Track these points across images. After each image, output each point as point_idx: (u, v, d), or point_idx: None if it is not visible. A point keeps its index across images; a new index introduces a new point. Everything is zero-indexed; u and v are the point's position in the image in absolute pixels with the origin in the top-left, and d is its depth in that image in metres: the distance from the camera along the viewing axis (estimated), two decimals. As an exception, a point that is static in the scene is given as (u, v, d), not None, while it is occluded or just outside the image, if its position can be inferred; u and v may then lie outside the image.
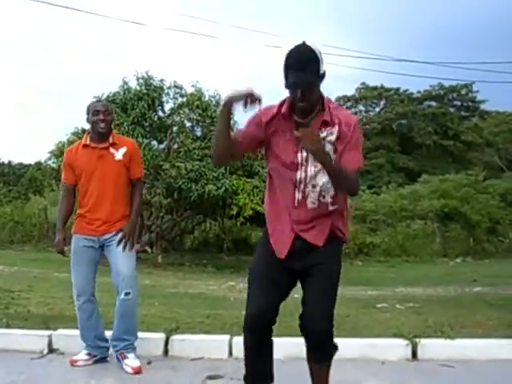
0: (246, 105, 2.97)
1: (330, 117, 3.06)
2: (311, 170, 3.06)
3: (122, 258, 4.52)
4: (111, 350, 4.69)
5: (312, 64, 2.97)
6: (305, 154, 3.04)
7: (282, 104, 3.11)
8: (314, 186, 3.07)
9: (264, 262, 3.24)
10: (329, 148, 3.01)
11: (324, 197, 3.11)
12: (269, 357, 3.34)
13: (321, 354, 3.23)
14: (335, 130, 3.05)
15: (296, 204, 3.10)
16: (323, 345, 3.18)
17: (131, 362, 4.50)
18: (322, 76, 3.05)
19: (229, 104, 3.00)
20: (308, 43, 3.00)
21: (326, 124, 3.04)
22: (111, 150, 4.59)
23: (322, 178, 3.06)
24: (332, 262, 3.20)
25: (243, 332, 3.23)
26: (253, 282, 3.22)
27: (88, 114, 4.65)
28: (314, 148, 2.84)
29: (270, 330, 3.23)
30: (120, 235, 4.56)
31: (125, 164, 4.60)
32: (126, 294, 4.47)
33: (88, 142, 4.61)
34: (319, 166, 3.00)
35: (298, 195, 3.09)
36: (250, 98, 2.95)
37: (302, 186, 3.08)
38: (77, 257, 4.60)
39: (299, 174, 3.07)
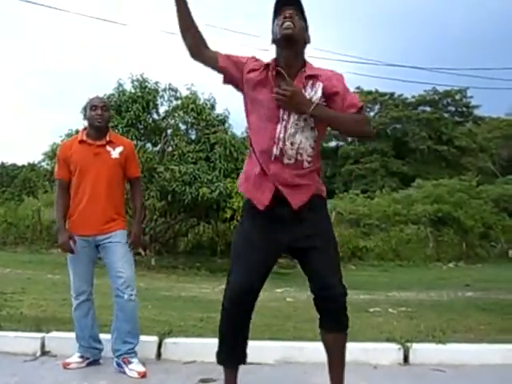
0: None
1: (312, 72, 3.10)
2: (292, 126, 3.06)
3: (121, 260, 4.49)
4: (105, 354, 4.69)
5: (300, 2, 3.11)
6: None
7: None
8: (292, 144, 3.07)
9: (248, 235, 3.20)
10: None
11: (301, 155, 3.10)
12: (246, 335, 3.33)
13: (342, 321, 3.26)
14: (319, 86, 3.07)
15: (272, 158, 3.07)
16: (343, 311, 3.22)
17: (136, 366, 4.46)
18: (307, 23, 3.15)
19: None
20: None
21: (309, 78, 3.08)
22: (108, 147, 4.54)
23: (301, 136, 3.07)
24: (327, 230, 3.24)
25: (222, 307, 3.23)
26: (236, 256, 3.19)
27: (86, 109, 4.63)
28: (285, 98, 2.91)
29: (252, 308, 3.20)
30: (131, 238, 4.57)
31: (120, 163, 4.57)
32: (130, 295, 4.45)
33: (84, 138, 4.56)
34: (300, 123, 3.05)
35: (276, 151, 3.07)
36: None
37: (280, 143, 3.06)
38: (74, 257, 4.54)
39: (278, 129, 3.06)
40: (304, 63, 3.15)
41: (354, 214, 23.87)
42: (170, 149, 15.88)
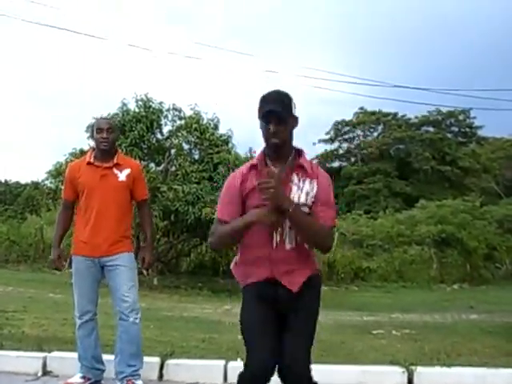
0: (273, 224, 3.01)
1: (309, 166, 3.11)
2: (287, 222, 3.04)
3: (127, 284, 4.49)
4: (107, 374, 4.65)
5: (285, 100, 3.08)
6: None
7: (252, 162, 3.16)
8: (290, 228, 3.06)
9: (253, 310, 3.16)
10: (304, 199, 3.06)
11: None
12: None
13: None
14: (315, 184, 3.08)
15: (275, 246, 3.07)
16: None
17: None
18: (296, 120, 3.14)
19: (253, 224, 3.00)
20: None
21: (301, 168, 3.09)
22: (115, 170, 4.55)
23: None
24: (312, 305, 3.21)
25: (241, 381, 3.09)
26: (248, 335, 3.14)
27: (92, 130, 4.66)
28: (271, 195, 2.87)
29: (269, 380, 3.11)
30: (144, 265, 4.67)
31: (128, 186, 4.57)
32: (135, 318, 4.45)
33: (92, 160, 4.58)
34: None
35: (277, 237, 3.07)
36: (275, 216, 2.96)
37: (278, 238, 3.07)
38: (79, 277, 4.55)
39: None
40: (295, 150, 3.15)
41: (357, 234, 23.79)
42: (173, 168, 15.90)
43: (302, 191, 3.05)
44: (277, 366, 3.04)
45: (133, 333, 4.46)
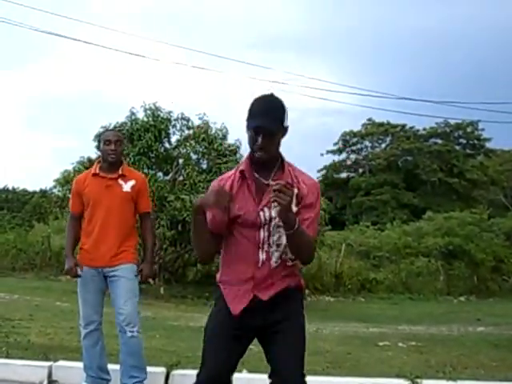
0: (218, 205, 2.81)
1: (291, 178, 2.93)
2: (274, 229, 2.91)
3: (124, 297, 4.48)
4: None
5: (277, 112, 2.88)
6: (267, 212, 2.90)
7: (238, 167, 3.00)
8: (278, 246, 2.92)
9: (220, 320, 3.05)
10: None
11: (286, 253, 2.94)
12: None
13: None
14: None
15: (260, 265, 2.91)
16: None
17: None
18: (286, 129, 2.93)
19: (200, 210, 2.89)
20: (276, 95, 2.92)
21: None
22: (120, 181, 4.55)
23: (285, 237, 2.90)
24: (297, 317, 3.06)
25: None
26: (207, 343, 3.05)
27: (99, 142, 4.66)
28: (285, 203, 2.69)
29: None
30: (142, 278, 4.59)
31: (132, 197, 4.57)
32: (131, 332, 4.43)
33: (97, 171, 4.59)
34: (282, 226, 2.87)
35: (262, 255, 2.92)
36: (221, 198, 2.79)
37: (265, 246, 2.92)
38: (84, 286, 4.56)
39: (262, 234, 2.91)
40: (280, 159, 2.98)
41: (364, 245, 23.78)
42: (181, 178, 15.93)
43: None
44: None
45: (132, 345, 4.45)
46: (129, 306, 4.45)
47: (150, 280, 16.07)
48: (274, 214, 2.88)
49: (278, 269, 2.95)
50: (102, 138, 4.65)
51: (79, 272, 4.48)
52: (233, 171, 3.03)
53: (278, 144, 2.94)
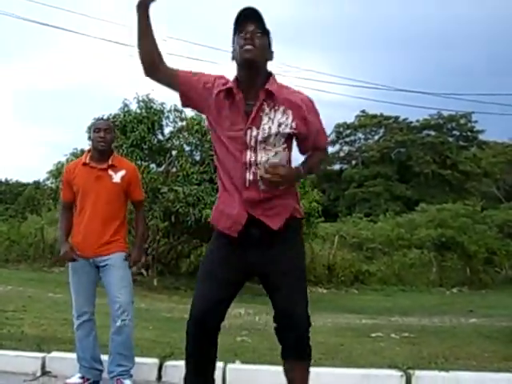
0: None
1: (279, 92, 2.96)
2: (261, 154, 2.94)
3: (118, 285, 4.48)
4: (105, 375, 4.66)
5: (261, 14, 2.94)
6: (254, 133, 2.92)
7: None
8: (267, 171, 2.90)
9: (216, 254, 3.07)
10: (275, 130, 2.92)
11: None
12: (213, 359, 3.19)
13: (303, 350, 3.06)
14: (290, 113, 2.94)
15: (247, 185, 2.94)
16: (306, 340, 3.04)
17: None
18: (269, 37, 3.00)
19: (143, 5, 2.93)
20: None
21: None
22: (109, 171, 4.55)
23: (275, 159, 2.94)
24: (298, 254, 3.08)
25: (187, 327, 3.12)
26: (202, 275, 3.09)
27: (90, 132, 4.65)
28: (279, 184, 2.87)
29: (217, 329, 3.08)
30: (129, 262, 4.57)
31: (122, 187, 4.58)
32: (123, 320, 4.43)
33: (87, 161, 4.58)
34: (271, 151, 2.93)
35: (249, 176, 2.95)
36: None
37: (252, 168, 2.94)
38: (76, 276, 4.56)
39: (248, 155, 2.93)
40: (267, 79, 3.01)
41: (357, 237, 23.83)
42: (174, 170, 15.90)
43: (273, 122, 2.92)
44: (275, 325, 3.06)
45: (123, 334, 4.46)
46: (124, 294, 4.46)
47: (143, 271, 16.11)
48: (260, 137, 2.92)
49: (268, 191, 2.94)
50: (92, 127, 4.67)
51: (75, 256, 4.50)
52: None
53: (264, 49, 2.98)
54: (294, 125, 2.95)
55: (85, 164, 4.59)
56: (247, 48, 2.87)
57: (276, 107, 2.95)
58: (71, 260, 4.53)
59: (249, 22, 2.91)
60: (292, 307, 2.97)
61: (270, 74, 3.04)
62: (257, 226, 2.95)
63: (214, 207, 3.20)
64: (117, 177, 4.56)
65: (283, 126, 2.93)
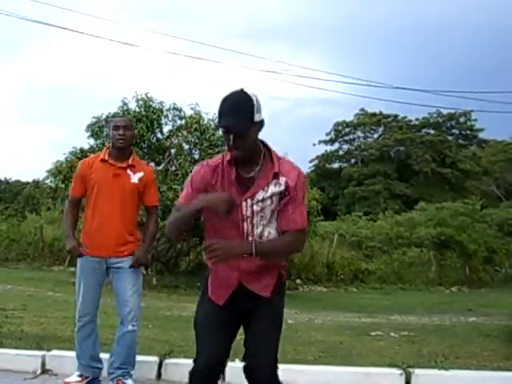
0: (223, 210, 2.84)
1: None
2: (257, 222, 2.94)
3: (131, 290, 4.46)
4: (104, 372, 4.65)
5: (245, 109, 2.81)
6: (249, 203, 2.92)
7: (224, 157, 2.98)
8: (260, 237, 2.94)
9: (208, 307, 3.09)
10: (267, 196, 2.91)
11: None
12: None
13: None
14: (283, 181, 2.92)
15: (246, 255, 2.90)
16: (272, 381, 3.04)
17: None
18: (260, 124, 2.90)
19: (200, 210, 2.90)
20: (246, 90, 2.87)
21: (276, 176, 2.91)
22: (128, 171, 4.50)
23: (269, 228, 2.96)
24: (278, 308, 3.11)
25: (190, 379, 3.10)
26: (201, 328, 3.08)
27: (109, 129, 4.58)
28: (222, 258, 2.83)
29: (219, 377, 3.08)
30: (132, 260, 4.47)
31: (138, 189, 4.52)
32: (133, 326, 4.43)
33: (106, 158, 4.51)
34: (266, 219, 2.94)
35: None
36: (229, 208, 2.84)
37: (250, 238, 2.94)
38: (85, 278, 4.49)
39: (246, 226, 2.94)
40: (265, 149, 2.99)
41: (356, 236, 23.83)
42: (173, 168, 15.88)
43: (266, 193, 2.91)
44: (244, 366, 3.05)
45: (130, 339, 4.45)
46: (135, 300, 4.45)
47: (142, 269, 16.09)
48: (255, 208, 2.92)
49: (263, 261, 2.96)
50: (110, 124, 4.61)
51: (82, 251, 4.44)
52: (219, 158, 3.02)
53: (254, 139, 2.91)
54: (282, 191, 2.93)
55: (103, 160, 4.51)
56: (234, 153, 2.87)
57: (275, 181, 2.93)
58: (78, 255, 4.46)
59: (228, 127, 2.83)
60: (262, 351, 3.00)
61: (269, 149, 3.00)
62: (246, 290, 3.01)
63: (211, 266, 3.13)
64: (135, 177, 4.51)
65: (276, 195, 2.93)
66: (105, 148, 4.69)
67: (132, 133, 4.60)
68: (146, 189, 4.58)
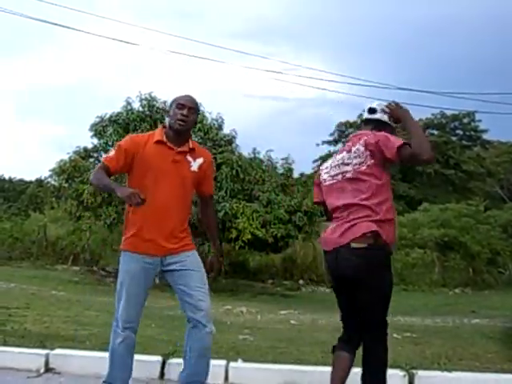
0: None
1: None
2: None
3: (201, 289, 3.89)
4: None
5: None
6: None
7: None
8: None
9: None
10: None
11: None
12: None
13: None
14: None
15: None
16: None
17: None
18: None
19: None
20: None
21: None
22: (188, 157, 3.93)
23: None
24: None
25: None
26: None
27: (171, 106, 3.97)
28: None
29: None
30: (213, 272, 4.11)
31: (198, 177, 3.98)
32: (210, 328, 3.86)
33: (164, 139, 3.88)
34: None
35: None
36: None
37: None
38: (132, 280, 3.84)
39: None
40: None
41: (359, 237, 23.75)
42: (176, 168, 15.88)
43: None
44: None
45: (208, 343, 3.91)
46: (207, 300, 3.89)
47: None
48: None
49: None
50: (174, 102, 3.96)
51: (143, 198, 3.53)
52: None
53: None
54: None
55: (160, 142, 3.89)
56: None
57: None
58: (138, 203, 3.52)
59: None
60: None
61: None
62: None
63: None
64: (195, 165, 3.96)
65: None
66: (159, 128, 4.04)
67: (195, 117, 4.01)
68: (205, 177, 4.07)
